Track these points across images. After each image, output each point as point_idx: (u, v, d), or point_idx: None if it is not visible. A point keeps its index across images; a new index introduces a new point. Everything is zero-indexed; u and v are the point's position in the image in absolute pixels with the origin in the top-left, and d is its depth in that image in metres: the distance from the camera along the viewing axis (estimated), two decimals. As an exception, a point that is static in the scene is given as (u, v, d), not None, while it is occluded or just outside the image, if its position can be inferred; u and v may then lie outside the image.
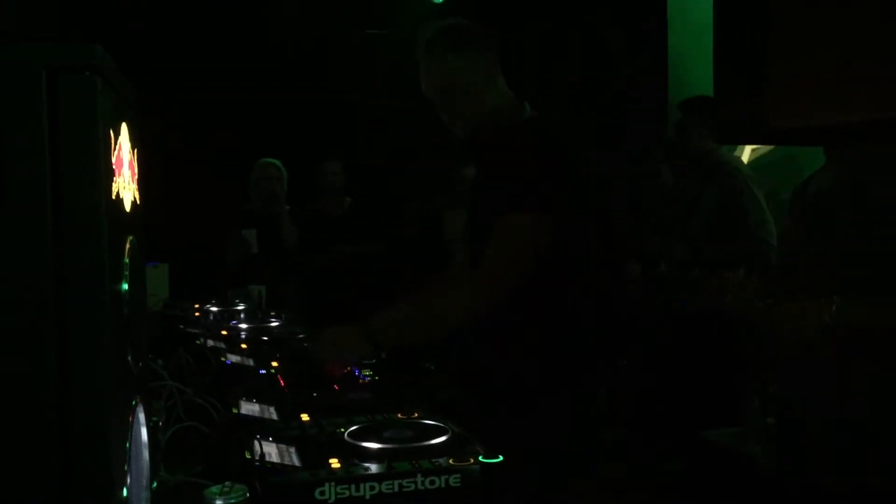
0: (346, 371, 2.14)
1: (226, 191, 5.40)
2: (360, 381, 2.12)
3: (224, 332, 2.89)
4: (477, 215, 2.19)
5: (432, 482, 1.42)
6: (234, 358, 2.43)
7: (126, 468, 0.89)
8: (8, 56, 0.78)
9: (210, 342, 2.69)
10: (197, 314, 3.32)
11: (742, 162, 4.13)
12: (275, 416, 1.80)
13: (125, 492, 0.87)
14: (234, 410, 1.81)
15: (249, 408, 1.84)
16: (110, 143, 0.86)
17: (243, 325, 3.07)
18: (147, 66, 5.10)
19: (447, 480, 1.42)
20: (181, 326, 3.07)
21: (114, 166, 0.88)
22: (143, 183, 1.10)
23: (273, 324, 3.15)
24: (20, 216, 0.78)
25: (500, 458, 1.48)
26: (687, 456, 3.79)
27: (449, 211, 5.23)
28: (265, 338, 2.82)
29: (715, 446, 3.50)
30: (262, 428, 1.66)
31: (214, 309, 3.38)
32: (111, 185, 0.86)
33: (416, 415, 1.77)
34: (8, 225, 0.78)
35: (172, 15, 5.30)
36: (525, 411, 2.04)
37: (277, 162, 5.17)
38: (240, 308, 3.44)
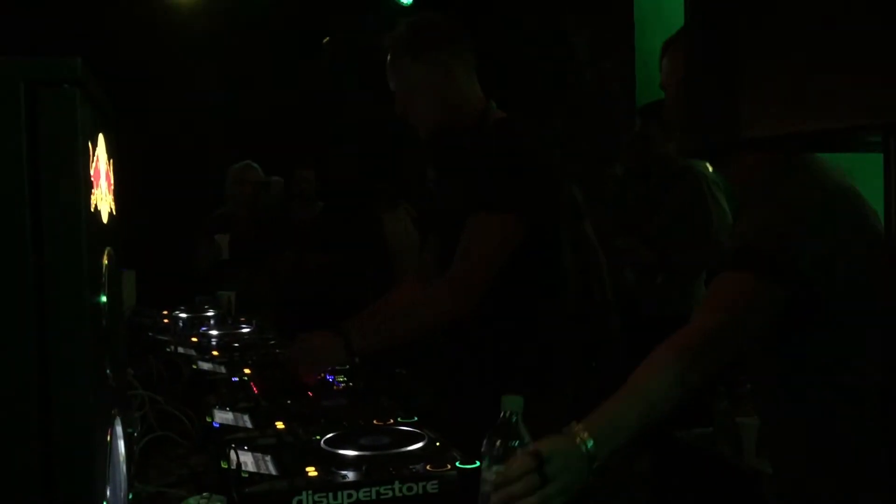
0: (320, 378, 2.14)
1: (192, 195, 5.36)
2: (335, 387, 2.12)
3: (194, 339, 2.87)
4: (444, 214, 2.19)
5: (410, 489, 1.42)
6: (205, 365, 2.41)
7: (106, 482, 0.88)
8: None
9: (180, 349, 2.66)
10: (166, 321, 3.29)
11: (706, 167, 4.19)
12: (249, 425, 1.79)
13: (105, 506, 0.86)
14: (208, 419, 1.80)
15: (223, 416, 1.83)
16: (89, 156, 0.85)
17: (214, 332, 3.05)
18: (114, 70, 5.05)
19: (425, 487, 1.43)
20: (150, 334, 3.03)
21: (92, 178, 0.87)
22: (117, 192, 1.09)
23: (244, 330, 3.13)
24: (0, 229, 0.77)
25: (477, 463, 1.49)
26: (657, 456, 3.82)
27: (387, 214, 5.22)
28: (236, 344, 2.80)
29: (685, 446, 3.54)
30: (237, 437, 1.65)
31: (183, 315, 3.35)
32: (90, 198, 0.85)
33: (392, 421, 1.77)
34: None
35: (140, 19, 5.26)
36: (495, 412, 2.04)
37: (255, 165, 5.14)
38: (209, 314, 3.42)
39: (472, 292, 1.97)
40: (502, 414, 1.30)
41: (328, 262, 5.11)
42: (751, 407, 3.34)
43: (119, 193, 1.08)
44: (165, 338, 2.91)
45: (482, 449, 1.31)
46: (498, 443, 1.28)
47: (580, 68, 5.93)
